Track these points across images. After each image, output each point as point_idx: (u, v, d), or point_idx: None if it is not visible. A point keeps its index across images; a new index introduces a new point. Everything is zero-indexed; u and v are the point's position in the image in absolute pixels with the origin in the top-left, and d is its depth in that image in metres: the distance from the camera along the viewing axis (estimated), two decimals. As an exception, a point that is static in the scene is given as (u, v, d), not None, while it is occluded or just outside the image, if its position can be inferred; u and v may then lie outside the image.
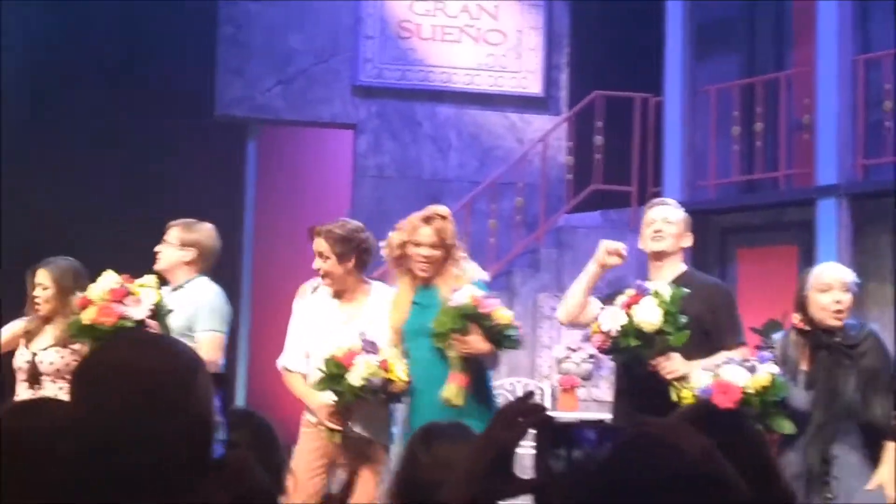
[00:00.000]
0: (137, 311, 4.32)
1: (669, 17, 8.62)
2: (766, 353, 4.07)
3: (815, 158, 7.73)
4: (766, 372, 3.96)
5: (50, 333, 4.89)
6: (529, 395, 1.56)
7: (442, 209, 4.42)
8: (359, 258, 4.46)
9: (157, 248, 4.76)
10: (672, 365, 4.08)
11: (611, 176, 9.03)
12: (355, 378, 4.04)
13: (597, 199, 9.09)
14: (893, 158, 7.72)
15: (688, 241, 4.41)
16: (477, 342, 4.13)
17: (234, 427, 1.67)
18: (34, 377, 4.84)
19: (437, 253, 4.29)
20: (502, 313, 4.18)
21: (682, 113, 8.54)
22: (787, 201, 8.08)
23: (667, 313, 4.02)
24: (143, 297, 4.36)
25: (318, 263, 4.43)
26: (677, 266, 4.36)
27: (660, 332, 4.03)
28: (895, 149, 7.66)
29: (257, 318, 9.29)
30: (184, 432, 1.51)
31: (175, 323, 4.52)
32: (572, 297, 4.34)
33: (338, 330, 4.35)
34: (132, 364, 1.53)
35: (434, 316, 4.17)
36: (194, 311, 4.60)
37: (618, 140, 8.99)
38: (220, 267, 4.93)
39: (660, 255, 4.33)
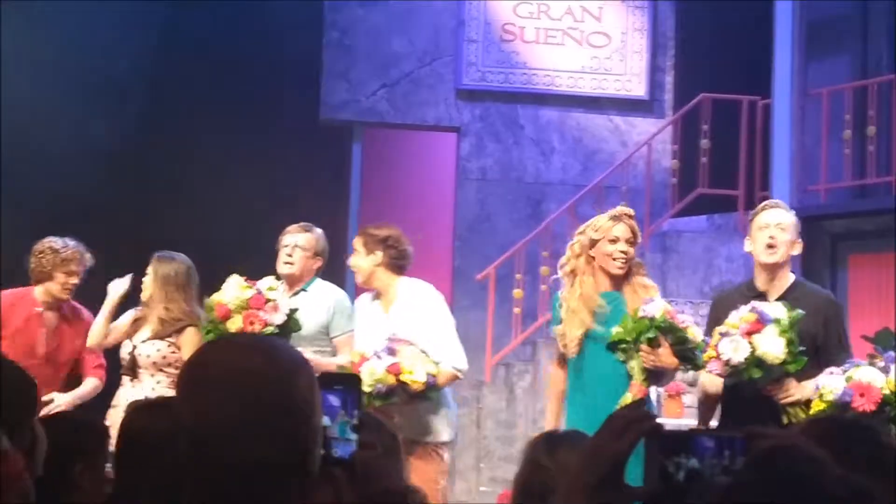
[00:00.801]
0: (278, 316, 4.44)
1: (778, 17, 8.46)
2: (892, 353, 3.94)
3: (930, 163, 7.51)
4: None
5: (150, 326, 5.00)
6: (640, 402, 1.55)
7: (628, 209, 4.46)
8: (386, 254, 4.64)
9: (286, 253, 4.89)
10: (788, 390, 4.00)
11: (717, 180, 8.91)
12: (364, 385, 4.12)
13: (702, 203, 8.98)
14: None
15: (798, 249, 4.29)
16: (666, 356, 4.06)
17: (365, 429, 1.68)
18: (133, 370, 4.96)
19: (631, 250, 4.32)
20: (695, 331, 4.13)
21: (791, 116, 8.37)
22: (901, 207, 7.86)
23: (788, 342, 3.91)
24: (280, 303, 4.49)
25: (350, 260, 4.75)
26: (787, 275, 4.25)
27: (782, 362, 3.94)
28: None
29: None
30: (287, 433, 1.51)
31: (304, 327, 4.62)
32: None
33: (376, 329, 4.56)
34: (233, 365, 1.54)
35: (617, 323, 4.15)
36: (329, 315, 4.81)
37: (724, 143, 8.87)
38: (327, 270, 5.05)
39: (773, 267, 4.21)
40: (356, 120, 9.63)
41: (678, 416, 7.67)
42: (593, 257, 4.35)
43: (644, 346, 4.03)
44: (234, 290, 4.46)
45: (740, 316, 3.98)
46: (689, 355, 4.09)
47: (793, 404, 4.00)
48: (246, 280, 4.51)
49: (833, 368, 3.95)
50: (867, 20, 8.77)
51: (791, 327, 3.92)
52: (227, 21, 9.00)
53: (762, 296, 4.20)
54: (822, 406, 3.89)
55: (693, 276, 8.55)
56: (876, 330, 4.23)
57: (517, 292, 8.50)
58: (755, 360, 3.90)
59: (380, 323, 4.60)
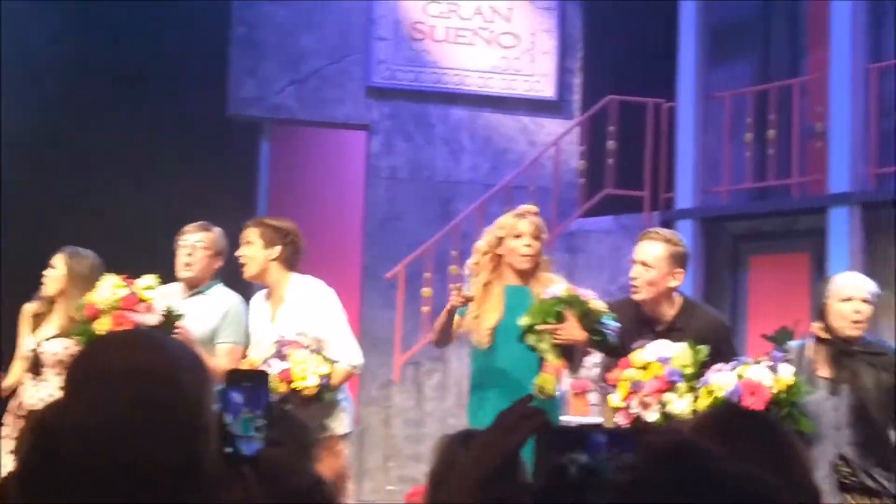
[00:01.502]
0: (151, 317, 4.32)
1: (683, 22, 8.63)
2: (778, 353, 4.00)
3: (827, 166, 7.73)
4: (788, 372, 3.91)
5: (55, 322, 4.87)
6: (528, 398, 1.55)
7: (532, 207, 4.54)
8: (284, 249, 4.53)
9: (239, 254, 4.68)
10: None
11: (623, 181, 9.05)
12: None
13: (609, 203, 9.11)
14: (906, 167, 7.73)
15: (675, 280, 4.16)
16: (574, 329, 4.06)
17: (273, 425, 1.66)
18: (36, 367, 4.83)
19: (537, 245, 4.38)
20: (597, 304, 4.13)
21: (694, 118, 8.54)
22: (800, 209, 8.08)
23: (695, 398, 3.87)
24: (154, 303, 4.37)
25: (241, 250, 4.55)
26: (671, 303, 4.19)
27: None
28: (908, 157, 7.67)
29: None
30: (175, 431, 1.49)
31: (195, 331, 4.53)
32: None
33: (266, 328, 4.48)
34: (121, 361, 1.51)
35: (516, 315, 4.21)
36: (219, 321, 4.65)
37: (631, 145, 9.01)
38: (233, 269, 4.96)
39: (645, 302, 4.17)
40: (264, 116, 9.54)
41: (584, 414, 7.77)
42: (500, 255, 4.43)
43: (552, 324, 4.07)
44: (107, 289, 4.32)
45: (649, 365, 3.91)
46: (594, 327, 4.11)
47: None
48: (125, 279, 4.37)
49: (721, 365, 3.94)
50: (768, 26, 8.99)
51: (697, 374, 3.91)
52: (134, 15, 8.84)
53: (650, 323, 4.19)
54: (710, 401, 3.90)
55: (600, 275, 8.66)
56: (775, 329, 4.32)
57: (426, 291, 8.52)
58: (664, 418, 3.89)
59: (269, 326, 4.52)
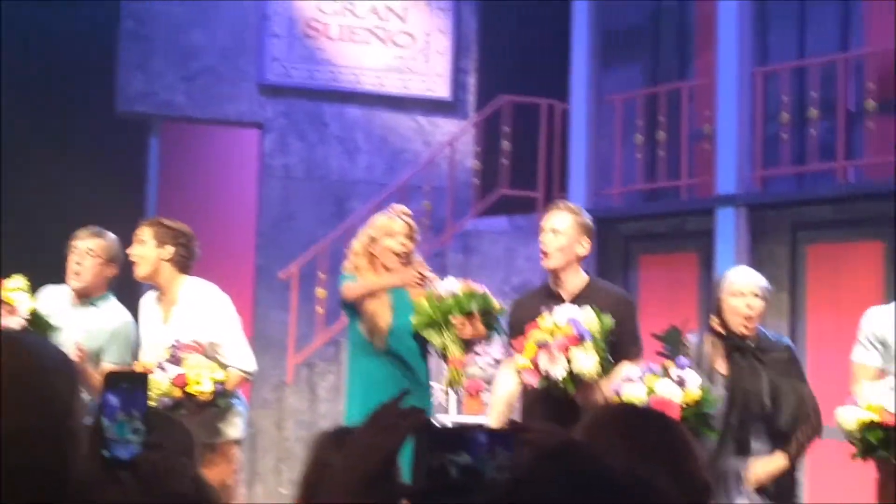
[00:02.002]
0: (13, 320, 4.19)
1: (575, 25, 8.72)
2: (684, 360, 4.04)
3: (714, 168, 7.90)
4: (697, 385, 3.95)
5: None
6: (403, 395, 1.53)
7: (404, 207, 4.60)
8: (177, 250, 4.47)
9: (131, 252, 4.56)
10: (592, 395, 4.05)
11: (517, 181, 9.11)
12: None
13: (503, 204, 9.16)
14: (790, 170, 7.94)
15: (582, 249, 4.21)
16: (478, 325, 4.21)
17: (155, 430, 1.61)
18: None
19: (410, 245, 4.44)
20: (496, 301, 4.30)
21: (587, 120, 8.64)
22: (688, 210, 8.24)
23: (602, 358, 3.95)
24: (18, 306, 4.23)
25: (132, 249, 4.47)
26: (578, 276, 4.24)
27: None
28: (792, 160, 7.88)
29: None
30: (41, 434, 1.44)
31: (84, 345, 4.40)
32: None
33: (158, 331, 4.41)
34: None
35: (407, 313, 4.29)
36: (107, 340, 4.52)
37: (525, 146, 9.08)
38: (121, 269, 4.82)
39: (553, 271, 4.20)
40: (153, 113, 9.35)
41: (478, 413, 7.80)
42: (374, 255, 4.45)
43: (460, 318, 4.14)
44: None
45: (556, 323, 3.97)
46: (492, 323, 4.23)
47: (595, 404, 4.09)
48: None
49: (630, 373, 3.99)
50: (658, 30, 9.15)
51: (604, 339, 3.96)
52: (21, 8, 8.58)
53: (557, 297, 4.23)
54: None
55: (494, 275, 8.70)
56: (665, 328, 4.38)
57: (321, 291, 8.46)
58: (572, 376, 3.92)
59: (161, 329, 4.44)
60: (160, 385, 4.06)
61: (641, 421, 1.91)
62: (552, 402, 4.11)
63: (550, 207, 4.34)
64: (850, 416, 3.92)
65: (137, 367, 4.18)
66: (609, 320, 4.02)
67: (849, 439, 3.96)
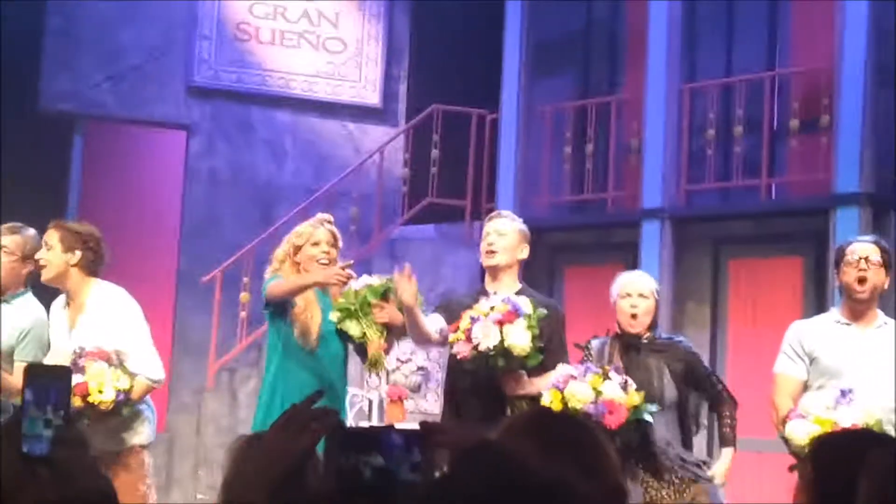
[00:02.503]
0: None
1: (508, 34, 8.76)
2: (593, 366, 4.14)
3: (641, 181, 7.98)
4: (633, 390, 4.05)
5: None
6: (316, 396, 1.50)
7: (328, 216, 4.63)
8: (84, 255, 4.38)
9: (38, 257, 4.43)
10: (521, 384, 4.16)
11: (446, 190, 9.11)
12: None
13: (431, 212, 9.15)
14: (714, 185, 8.05)
15: (523, 254, 4.42)
16: (395, 311, 4.26)
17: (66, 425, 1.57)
18: None
19: (334, 252, 4.45)
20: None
21: (517, 130, 8.68)
22: (614, 222, 8.30)
23: (533, 337, 4.07)
24: None
25: (39, 253, 4.37)
26: (514, 281, 4.39)
27: (524, 356, 4.08)
28: (716, 175, 7.99)
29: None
30: None
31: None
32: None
33: (64, 337, 4.33)
34: None
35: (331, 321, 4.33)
36: (19, 338, 4.40)
37: (454, 154, 9.08)
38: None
39: (494, 270, 4.35)
40: (78, 112, 9.18)
41: (400, 420, 7.76)
42: (298, 262, 4.45)
43: (376, 302, 4.23)
44: None
45: (494, 304, 4.10)
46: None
47: (520, 398, 4.14)
48: None
49: (570, 370, 4.10)
50: (589, 43, 9.23)
51: (537, 323, 4.09)
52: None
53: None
54: (559, 407, 4.01)
55: (420, 283, 8.59)
56: (588, 338, 4.46)
57: (244, 296, 8.36)
58: (502, 350, 4.03)
59: (66, 335, 4.35)
60: None
61: (556, 424, 1.91)
62: (481, 396, 4.18)
63: (492, 216, 4.51)
64: (800, 431, 3.96)
65: None
66: (542, 311, 4.15)
67: (794, 452, 3.98)
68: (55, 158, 9.21)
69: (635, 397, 4.03)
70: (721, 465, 4.35)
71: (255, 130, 9.45)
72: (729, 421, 4.37)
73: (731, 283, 7.65)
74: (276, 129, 9.49)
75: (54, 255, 4.34)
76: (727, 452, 4.35)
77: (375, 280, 4.34)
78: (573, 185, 8.70)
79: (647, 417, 4.08)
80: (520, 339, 4.05)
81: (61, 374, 1.58)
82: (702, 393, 4.39)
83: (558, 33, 9.14)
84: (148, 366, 4.30)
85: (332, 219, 4.61)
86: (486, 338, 4.03)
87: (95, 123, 9.40)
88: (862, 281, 4.16)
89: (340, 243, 4.55)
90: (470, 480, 1.22)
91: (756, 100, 7.84)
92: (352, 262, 4.41)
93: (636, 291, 4.37)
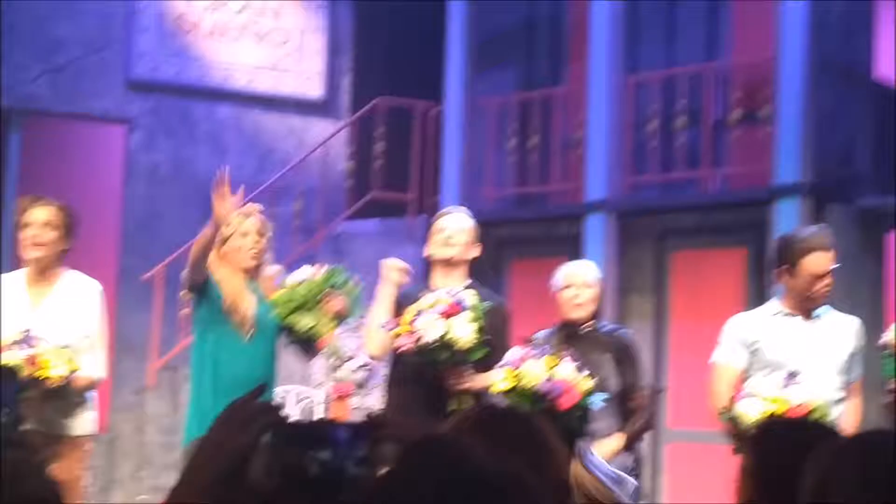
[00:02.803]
0: None
1: (451, 27, 8.73)
2: (547, 349, 4.13)
3: (585, 174, 7.99)
4: (586, 376, 4.05)
5: None
6: (259, 390, 1.47)
7: (257, 205, 4.63)
8: (72, 239, 4.37)
9: (35, 234, 4.35)
10: (463, 378, 4.16)
11: (390, 184, 9.06)
12: None
13: (375, 206, 9.10)
14: (657, 177, 8.09)
15: (476, 252, 4.46)
16: (342, 302, 4.33)
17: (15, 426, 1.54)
18: None
19: (263, 241, 4.42)
20: (351, 280, 4.48)
21: (461, 124, 8.66)
22: (558, 215, 8.32)
23: (478, 330, 4.08)
24: None
25: (37, 231, 4.24)
26: (463, 278, 4.40)
27: (468, 349, 4.09)
28: (660, 168, 8.02)
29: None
30: None
31: None
32: (379, 328, 4.31)
33: (25, 314, 4.24)
34: None
35: (266, 306, 4.32)
36: None
37: (398, 148, 9.03)
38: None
39: (449, 263, 4.37)
40: (15, 107, 8.99)
41: (345, 417, 7.72)
42: (227, 252, 4.42)
43: (328, 293, 4.28)
44: None
45: (437, 297, 4.11)
46: (354, 303, 4.42)
47: (464, 392, 4.14)
48: None
49: (522, 351, 4.07)
50: (532, 35, 9.22)
51: (482, 316, 4.11)
52: None
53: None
54: (510, 385, 3.99)
55: (365, 278, 8.58)
56: (533, 331, 4.46)
57: (185, 294, 8.24)
58: (445, 342, 4.04)
59: (29, 304, 4.28)
60: (13, 361, 3.92)
61: (504, 420, 1.91)
62: (425, 394, 4.18)
63: (447, 211, 4.59)
64: (751, 409, 3.95)
65: None
66: (486, 304, 4.18)
67: (738, 434, 3.95)
68: (-9, 154, 9.03)
69: (587, 383, 4.03)
70: (601, 446, 4.22)
71: (196, 125, 9.33)
72: (639, 423, 4.37)
73: (674, 275, 7.69)
74: (218, 123, 9.38)
75: (56, 237, 4.27)
76: (617, 438, 4.33)
77: (313, 272, 4.33)
78: (517, 178, 8.70)
79: (595, 406, 4.07)
80: (463, 331, 4.06)
81: (7, 374, 1.55)
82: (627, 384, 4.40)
83: (501, 26, 9.13)
84: (97, 364, 4.28)
85: (260, 208, 4.58)
86: (429, 330, 4.04)
87: (33, 118, 9.23)
88: (827, 293, 4.19)
89: (270, 233, 4.49)
90: (418, 474, 1.21)
91: (698, 92, 7.88)
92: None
93: (579, 281, 4.42)
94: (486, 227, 8.36)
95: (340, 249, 8.77)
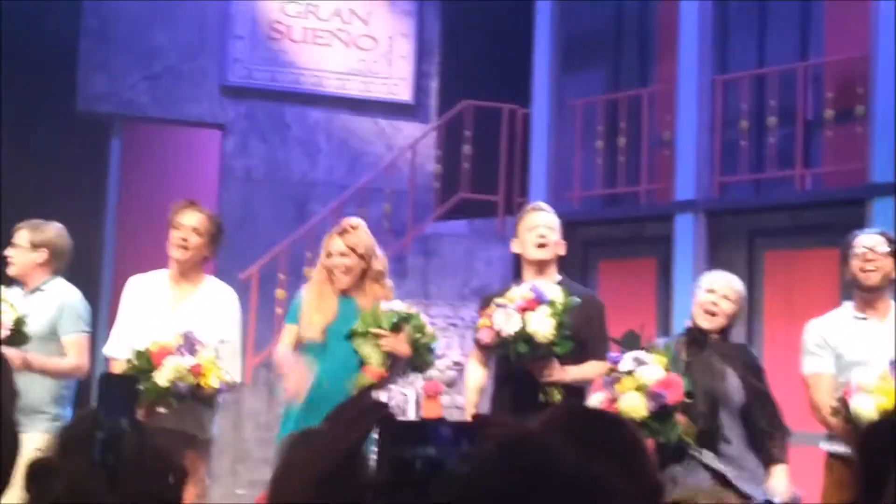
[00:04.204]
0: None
1: (538, 29, 8.75)
2: (616, 355, 4.16)
3: (674, 174, 7.95)
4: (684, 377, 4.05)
5: None
6: (368, 389, 1.53)
7: (354, 220, 4.60)
8: (216, 248, 4.53)
9: (6, 252, 4.66)
10: (550, 370, 4.18)
11: (478, 185, 9.12)
12: (162, 378, 4.06)
13: (463, 207, 9.17)
14: (748, 176, 8.01)
15: (563, 249, 4.47)
16: (402, 343, 4.27)
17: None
18: None
19: (348, 261, 4.42)
20: (430, 329, 4.41)
21: (548, 125, 8.67)
22: (647, 215, 8.28)
23: (559, 325, 4.11)
24: (3, 318, 4.28)
25: (185, 235, 4.39)
26: (553, 274, 4.41)
27: (549, 343, 4.12)
28: (750, 167, 7.95)
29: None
30: None
31: (35, 327, 4.46)
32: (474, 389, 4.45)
33: (166, 313, 4.37)
34: None
35: (352, 323, 4.34)
36: (57, 315, 4.57)
37: (486, 150, 9.09)
38: (80, 268, 4.83)
39: (542, 264, 4.38)
40: (115, 112, 9.28)
41: (436, 416, 7.79)
42: (327, 268, 4.53)
43: (385, 330, 4.24)
44: None
45: (519, 292, 4.16)
46: (420, 349, 4.33)
47: (551, 384, 4.16)
48: None
49: (638, 355, 4.05)
50: (620, 36, 9.20)
51: (564, 311, 4.13)
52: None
53: None
54: (633, 388, 3.99)
55: (453, 279, 8.71)
56: (623, 333, 4.45)
57: (280, 293, 8.43)
58: (524, 336, 4.08)
59: (170, 305, 4.42)
60: (179, 369, 4.06)
61: (594, 420, 1.91)
62: (518, 388, 4.23)
63: (534, 208, 4.58)
64: (867, 404, 3.89)
65: (153, 345, 4.14)
66: (574, 299, 4.18)
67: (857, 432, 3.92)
68: (93, 159, 9.31)
69: (686, 383, 4.01)
70: (779, 481, 4.18)
71: (288, 128, 9.51)
72: (779, 443, 4.21)
73: (767, 275, 7.61)
74: (310, 127, 9.55)
75: (201, 243, 4.42)
76: (781, 468, 4.19)
77: (401, 306, 4.35)
78: (605, 178, 8.68)
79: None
80: (541, 326, 4.09)
81: (130, 383, 1.63)
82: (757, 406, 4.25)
83: (589, 27, 9.13)
84: (236, 368, 4.41)
85: (355, 224, 4.56)
86: (507, 324, 4.10)
87: (132, 125, 9.50)
88: (867, 270, 4.17)
89: (361, 249, 4.46)
90: (502, 472, 1.22)
91: (789, 90, 7.79)
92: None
93: (722, 290, 4.26)
94: (574, 228, 8.40)
95: (429, 250, 8.87)
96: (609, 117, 8.69)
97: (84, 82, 9.13)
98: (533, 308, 4.11)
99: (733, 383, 4.21)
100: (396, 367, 4.37)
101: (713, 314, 4.23)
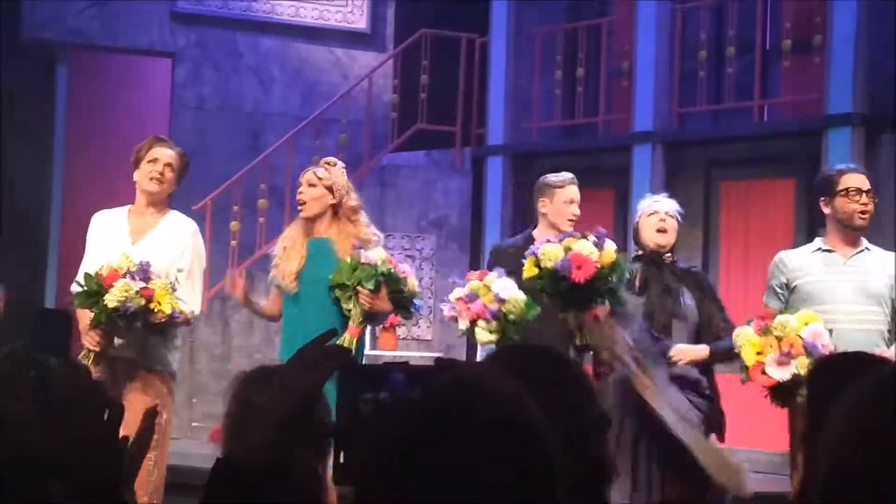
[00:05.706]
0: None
1: (496, -43, 8.61)
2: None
3: (632, 105, 7.90)
4: (612, 248, 4.12)
5: None
6: (330, 334, 1.50)
7: (332, 159, 4.61)
8: (179, 184, 4.55)
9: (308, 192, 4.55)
10: (595, 312, 4.17)
11: (435, 116, 9.02)
12: (111, 299, 4.02)
13: (421, 138, 9.08)
14: (707, 107, 7.98)
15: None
16: (384, 301, 4.27)
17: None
18: None
19: (315, 191, 4.42)
20: (413, 281, 4.39)
21: (506, 55, 8.58)
22: (605, 146, 8.25)
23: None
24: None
25: (161, 169, 4.40)
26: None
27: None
28: (708, 98, 7.92)
29: (66, 250, 8.91)
30: None
31: None
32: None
33: (126, 246, 4.33)
34: None
35: (329, 267, 4.31)
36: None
37: (443, 80, 8.98)
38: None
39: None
40: (62, 40, 9.03)
41: (393, 348, 7.79)
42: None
43: (365, 291, 4.20)
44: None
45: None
46: (404, 304, 4.34)
47: (590, 326, 4.18)
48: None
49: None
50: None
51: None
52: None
53: None
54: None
55: (411, 210, 8.65)
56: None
57: (234, 225, 8.32)
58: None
59: (129, 237, 4.39)
60: (127, 289, 4.02)
61: (537, 357, 1.91)
62: (558, 330, 4.23)
63: (570, 181, 4.83)
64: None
65: (103, 269, 4.11)
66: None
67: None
68: (39, 88, 9.09)
69: (612, 255, 4.08)
70: (685, 347, 4.27)
71: (241, 57, 9.32)
72: (725, 345, 4.28)
73: (724, 205, 7.63)
74: (263, 56, 9.36)
75: (172, 178, 4.43)
76: (702, 348, 4.30)
77: (382, 258, 4.27)
78: (564, 109, 8.62)
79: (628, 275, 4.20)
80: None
81: (64, 318, 1.60)
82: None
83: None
84: (195, 300, 4.37)
85: (333, 161, 4.56)
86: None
87: (80, 52, 9.26)
88: (865, 213, 4.19)
89: (329, 182, 4.45)
90: (439, 413, 1.20)
91: (748, 20, 7.74)
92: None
93: (664, 210, 4.43)
94: (532, 158, 8.36)
95: (386, 181, 8.78)
96: (568, 47, 8.60)
97: (29, 8, 8.87)
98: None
99: (688, 303, 4.34)
100: (379, 318, 4.43)
101: (664, 231, 4.38)
